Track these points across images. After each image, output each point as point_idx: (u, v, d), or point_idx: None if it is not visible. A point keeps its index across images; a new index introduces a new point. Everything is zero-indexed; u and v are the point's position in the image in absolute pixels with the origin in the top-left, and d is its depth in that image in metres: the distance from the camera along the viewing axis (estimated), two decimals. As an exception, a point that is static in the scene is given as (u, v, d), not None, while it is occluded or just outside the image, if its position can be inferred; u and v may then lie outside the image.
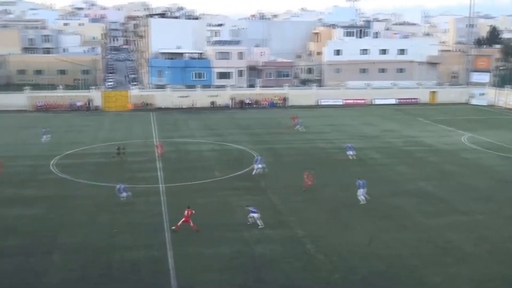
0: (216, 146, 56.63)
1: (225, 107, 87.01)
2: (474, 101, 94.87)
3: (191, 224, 31.67)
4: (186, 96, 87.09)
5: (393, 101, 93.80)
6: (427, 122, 74.43)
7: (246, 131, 65.71)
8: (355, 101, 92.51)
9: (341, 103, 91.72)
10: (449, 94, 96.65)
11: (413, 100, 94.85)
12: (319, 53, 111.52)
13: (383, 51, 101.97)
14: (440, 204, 37.37)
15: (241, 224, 32.76)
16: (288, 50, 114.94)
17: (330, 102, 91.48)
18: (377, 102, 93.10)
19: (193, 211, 32.24)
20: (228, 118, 76.90)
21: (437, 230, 32.26)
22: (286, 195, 39.03)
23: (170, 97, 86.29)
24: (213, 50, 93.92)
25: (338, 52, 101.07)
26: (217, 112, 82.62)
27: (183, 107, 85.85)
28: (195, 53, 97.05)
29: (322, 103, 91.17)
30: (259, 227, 32.32)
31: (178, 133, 64.59)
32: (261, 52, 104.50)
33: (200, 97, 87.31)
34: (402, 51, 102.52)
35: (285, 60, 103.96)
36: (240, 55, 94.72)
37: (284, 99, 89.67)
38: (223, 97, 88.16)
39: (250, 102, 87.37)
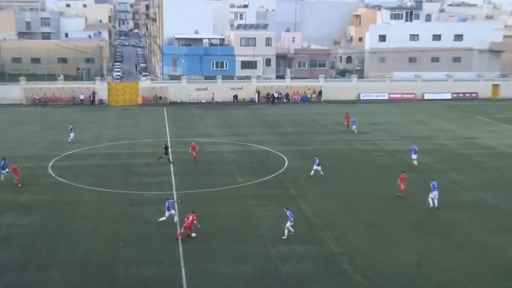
0: (237, 147, 56.70)
1: (250, 102, 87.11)
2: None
3: (191, 232, 32.41)
4: (204, 89, 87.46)
5: (447, 96, 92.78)
6: (488, 121, 73.31)
7: (273, 130, 65.68)
8: (402, 95, 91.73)
9: (385, 98, 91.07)
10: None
11: (471, 94, 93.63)
12: (360, 39, 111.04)
13: (437, 37, 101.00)
14: (503, 218, 36.69)
15: (266, 238, 32.72)
16: (324, 35, 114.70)
17: (373, 97, 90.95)
18: (429, 97, 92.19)
19: (195, 219, 32.67)
20: (252, 114, 76.97)
21: (499, 249, 31.68)
22: (320, 205, 38.86)
23: (186, 89, 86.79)
24: (236, 35, 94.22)
25: (383, 38, 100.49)
26: (240, 107, 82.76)
27: (201, 101, 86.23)
28: (216, 38, 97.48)
29: (364, 98, 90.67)
30: (283, 237, 32.59)
31: (194, 131, 64.90)
32: (292, 38, 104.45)
33: (220, 90, 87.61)
34: (459, 37, 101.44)
35: (320, 47, 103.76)
36: (268, 41, 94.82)
37: (319, 93, 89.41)
38: (248, 90, 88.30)
39: (279, 95, 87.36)
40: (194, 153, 50.26)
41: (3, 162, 44.06)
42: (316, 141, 59.56)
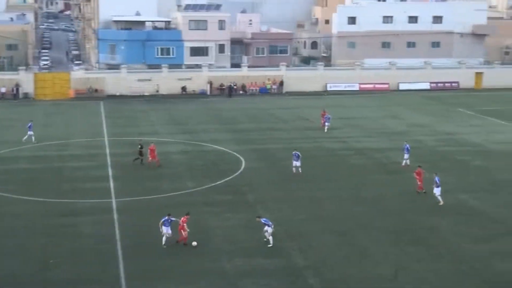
0: (187, 147, 56.59)
1: (201, 94, 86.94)
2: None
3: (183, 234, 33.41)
4: (148, 80, 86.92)
5: (425, 86, 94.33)
6: (470, 114, 74.86)
7: (228, 127, 65.74)
8: (374, 85, 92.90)
9: (356, 89, 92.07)
10: (500, 76, 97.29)
11: (452, 84, 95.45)
12: (327, 22, 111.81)
13: (413, 19, 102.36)
14: (489, 225, 37.54)
15: (221, 251, 32.76)
16: (286, 17, 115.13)
17: (342, 88, 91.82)
18: (404, 87, 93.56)
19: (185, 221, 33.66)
20: (204, 109, 76.89)
21: (483, 260, 32.39)
22: (282, 212, 39.07)
23: (126, 80, 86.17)
24: (184, 17, 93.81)
25: (352, 21, 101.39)
26: (190, 100, 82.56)
27: (144, 94, 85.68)
28: (161, 21, 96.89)
29: (331, 89, 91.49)
30: (269, 245, 33.25)
31: (136, 129, 64.50)
32: (249, 20, 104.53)
33: (166, 81, 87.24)
34: (438, 19, 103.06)
35: (281, 31, 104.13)
36: (221, 24, 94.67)
37: (280, 84, 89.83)
38: (198, 81, 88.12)
39: (234, 87, 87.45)
40: (150, 157, 49.23)
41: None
42: (277, 139, 59.82)
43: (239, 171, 48.44)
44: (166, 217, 33.72)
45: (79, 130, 63.47)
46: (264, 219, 34.23)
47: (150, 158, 49.07)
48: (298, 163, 47.16)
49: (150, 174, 47.52)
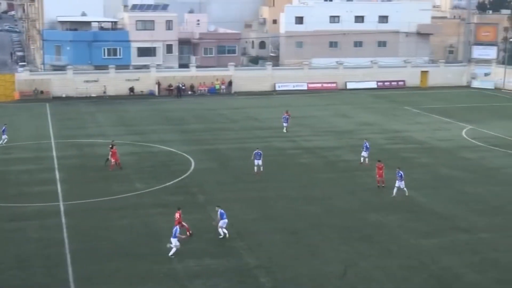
0: (136, 148, 56.18)
1: (149, 95, 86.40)
2: (477, 84, 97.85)
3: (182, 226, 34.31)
4: (94, 81, 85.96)
5: (372, 85, 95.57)
6: (416, 112, 76.15)
7: (177, 127, 65.50)
8: (322, 85, 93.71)
9: (304, 88, 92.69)
10: (445, 75, 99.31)
11: (398, 83, 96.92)
12: (275, 22, 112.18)
13: (359, 19, 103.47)
14: (435, 220, 38.28)
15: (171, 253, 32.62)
16: (234, 17, 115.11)
17: (290, 87, 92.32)
18: (352, 86, 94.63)
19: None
20: (152, 109, 76.44)
21: (430, 254, 33.03)
22: (233, 212, 38.97)
23: (73, 82, 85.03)
24: (131, 17, 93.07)
25: (300, 20, 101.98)
26: (138, 101, 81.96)
27: (91, 95, 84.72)
28: (107, 22, 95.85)
29: (280, 88, 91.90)
30: (220, 236, 34.09)
31: (83, 131, 63.75)
32: (197, 21, 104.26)
33: (114, 82, 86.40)
34: (384, 19, 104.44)
35: (229, 31, 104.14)
36: (169, 24, 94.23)
37: (229, 84, 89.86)
38: (146, 82, 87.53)
39: (183, 87, 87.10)
40: (113, 159, 48.65)
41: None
42: (227, 139, 59.86)
43: (189, 172, 48.32)
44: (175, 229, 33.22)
45: (25, 133, 62.36)
46: (221, 210, 34.61)
47: (113, 160, 48.56)
48: (260, 162, 47.34)
49: (98, 176, 47.03)
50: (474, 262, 32.10)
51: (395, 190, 42.25)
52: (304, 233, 35.82)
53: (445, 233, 36.10)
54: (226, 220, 34.80)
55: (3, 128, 57.67)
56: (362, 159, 50.59)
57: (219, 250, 33.33)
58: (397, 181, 42.34)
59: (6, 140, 57.12)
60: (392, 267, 31.40)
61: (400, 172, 42.54)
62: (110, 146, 49.80)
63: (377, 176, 44.49)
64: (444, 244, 34.32)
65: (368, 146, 50.84)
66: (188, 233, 34.77)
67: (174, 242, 32.46)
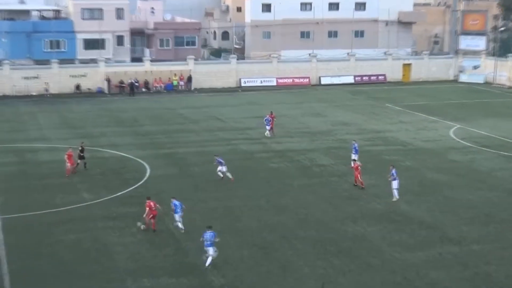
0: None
1: (98, 93, 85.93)
2: (465, 78, 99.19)
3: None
4: (35, 77, 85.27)
5: (349, 80, 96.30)
6: (399, 110, 76.77)
7: (130, 129, 65.24)
8: (293, 80, 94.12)
9: (273, 84, 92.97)
10: (429, 68, 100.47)
11: (378, 77, 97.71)
12: (239, 10, 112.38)
13: (334, 6, 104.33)
14: (421, 231, 38.49)
15: (124, 271, 32.37)
16: (192, 4, 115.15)
17: (258, 83, 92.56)
18: (326, 81, 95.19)
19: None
20: (101, 109, 76.05)
21: (416, 269, 33.17)
22: (194, 224, 38.93)
23: (9, 79, 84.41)
24: (76, 5, 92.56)
25: (267, 8, 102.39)
26: (85, 100, 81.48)
27: (31, 93, 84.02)
28: (49, 10, 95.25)
29: (246, 84, 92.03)
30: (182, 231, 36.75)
31: (22, 134, 63.21)
32: (151, 8, 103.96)
33: (57, 78, 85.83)
34: (361, 6, 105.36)
35: (188, 21, 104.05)
36: (119, 12, 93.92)
37: (188, 79, 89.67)
38: (94, 78, 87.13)
39: (136, 84, 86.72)
40: (69, 163, 48.37)
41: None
42: (187, 142, 59.71)
43: (144, 180, 48.07)
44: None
45: (-45, 137, 61.61)
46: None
47: (69, 165, 48.32)
48: (223, 168, 47.18)
49: (39, 185, 46.60)
50: (465, 277, 32.33)
51: (394, 192, 43.58)
52: (275, 247, 35.76)
53: (432, 245, 36.32)
54: (180, 213, 36.65)
55: None
56: (352, 163, 50.50)
57: (178, 267, 33.14)
58: (393, 183, 43.60)
59: None
60: (374, 284, 31.50)
61: (394, 170, 43.88)
62: (80, 148, 50.47)
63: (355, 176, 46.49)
64: (431, 257, 34.52)
65: (357, 148, 51.20)
66: (152, 226, 37.30)
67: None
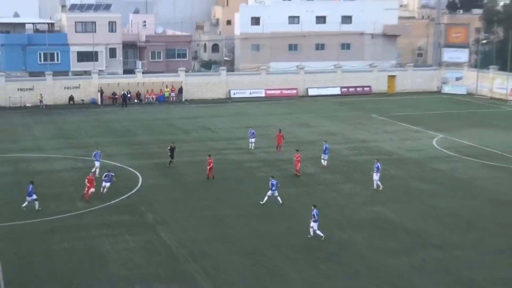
0: (77, 163, 55.73)
1: (91, 104, 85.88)
2: (447, 89, 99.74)
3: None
4: (29, 89, 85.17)
5: (336, 91, 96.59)
6: (383, 120, 77.09)
7: (123, 140, 65.23)
8: (282, 91, 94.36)
9: (262, 95, 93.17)
10: (414, 80, 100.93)
11: (364, 88, 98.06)
12: (229, 23, 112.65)
13: (321, 19, 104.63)
14: (405, 237, 38.78)
15: (118, 278, 32.43)
16: (184, 18, 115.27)
17: (247, 94, 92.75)
18: (314, 92, 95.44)
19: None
20: (95, 120, 75.96)
21: (400, 274, 33.42)
22: (186, 232, 39.06)
23: (5, 90, 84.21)
24: (70, 19, 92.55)
25: (256, 21, 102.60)
26: (79, 111, 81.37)
27: (26, 105, 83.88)
28: (43, 23, 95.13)
29: (235, 96, 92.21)
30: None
31: (17, 145, 63.00)
32: (143, 22, 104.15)
33: (51, 90, 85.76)
34: (347, 19, 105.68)
35: (179, 33, 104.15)
36: (112, 25, 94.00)
37: (179, 91, 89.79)
38: (87, 89, 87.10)
39: (129, 95, 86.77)
40: (90, 188, 45.19)
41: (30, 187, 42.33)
42: (178, 152, 59.52)
43: (136, 189, 48.08)
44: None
45: (-49, 148, 61.45)
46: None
47: (90, 189, 44.87)
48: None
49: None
50: (448, 282, 32.61)
51: (375, 183, 47.29)
52: (264, 254, 35.91)
53: (416, 251, 36.58)
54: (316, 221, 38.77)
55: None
56: (323, 161, 53.89)
57: (170, 273, 33.21)
58: (374, 174, 46.96)
59: None
60: (359, 289, 31.75)
61: (378, 163, 47.23)
62: (170, 147, 54.14)
63: (296, 166, 50.93)
64: (415, 263, 34.78)
65: (327, 148, 53.76)
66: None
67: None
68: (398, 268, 34.10)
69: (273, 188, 43.94)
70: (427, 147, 62.98)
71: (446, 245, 37.46)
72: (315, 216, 37.42)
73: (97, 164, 51.12)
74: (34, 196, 42.02)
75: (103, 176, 46.16)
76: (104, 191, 45.56)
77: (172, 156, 53.95)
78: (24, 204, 41.79)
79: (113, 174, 46.61)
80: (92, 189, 44.74)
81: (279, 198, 43.89)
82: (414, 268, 34.16)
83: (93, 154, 51.97)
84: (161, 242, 37.35)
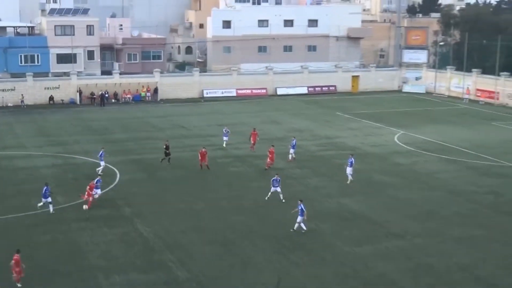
0: (57, 160, 55.39)
1: (70, 104, 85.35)
2: (408, 88, 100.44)
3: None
4: (11, 90, 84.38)
5: (303, 90, 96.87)
6: (348, 117, 77.53)
7: (101, 137, 64.86)
8: (252, 91, 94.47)
9: (233, 95, 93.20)
10: (376, 79, 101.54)
11: (329, 88, 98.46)
12: (201, 26, 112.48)
13: (288, 23, 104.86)
14: (369, 227, 39.13)
15: (96, 268, 32.36)
16: (158, 21, 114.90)
17: (219, 94, 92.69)
18: (282, 91, 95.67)
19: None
20: (74, 119, 75.48)
21: (364, 261, 33.75)
22: (161, 224, 39.04)
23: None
24: (49, 22, 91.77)
25: (227, 25, 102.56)
26: (58, 111, 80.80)
27: (8, 105, 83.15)
28: (23, 27, 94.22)
29: (208, 95, 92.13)
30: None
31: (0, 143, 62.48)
32: (120, 25, 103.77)
33: (32, 91, 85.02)
34: (313, 23, 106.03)
35: (154, 36, 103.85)
36: (90, 29, 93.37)
37: (155, 91, 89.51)
38: (67, 90, 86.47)
39: (106, 95, 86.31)
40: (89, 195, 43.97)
41: (45, 188, 41.21)
42: (154, 148, 59.52)
43: (114, 184, 47.94)
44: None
45: None
46: (301, 205, 37.89)
47: (90, 197, 43.04)
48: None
49: (15, 190, 46.16)
50: (409, 268, 32.98)
51: (349, 177, 47.93)
52: (236, 244, 36.04)
53: (379, 239, 36.95)
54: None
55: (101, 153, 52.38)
56: (289, 156, 54.46)
57: (147, 264, 33.19)
58: (347, 168, 47.84)
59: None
60: (326, 276, 31.95)
61: (352, 158, 48.13)
62: (165, 145, 53.31)
63: (269, 159, 50.92)
64: (378, 251, 35.13)
65: (295, 143, 54.61)
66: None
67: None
68: (362, 256, 34.42)
69: (276, 185, 43.59)
70: (388, 142, 63.48)
71: (407, 233, 37.86)
72: (302, 210, 37.50)
73: (102, 164, 50.74)
74: (49, 199, 40.88)
75: (95, 181, 43.70)
76: (96, 197, 43.48)
77: (167, 153, 53.01)
78: (40, 204, 40.89)
79: (101, 180, 45.59)
80: (90, 198, 42.90)
81: (281, 195, 43.56)
82: (377, 255, 34.49)
83: (99, 154, 51.30)
84: (138, 234, 37.33)
